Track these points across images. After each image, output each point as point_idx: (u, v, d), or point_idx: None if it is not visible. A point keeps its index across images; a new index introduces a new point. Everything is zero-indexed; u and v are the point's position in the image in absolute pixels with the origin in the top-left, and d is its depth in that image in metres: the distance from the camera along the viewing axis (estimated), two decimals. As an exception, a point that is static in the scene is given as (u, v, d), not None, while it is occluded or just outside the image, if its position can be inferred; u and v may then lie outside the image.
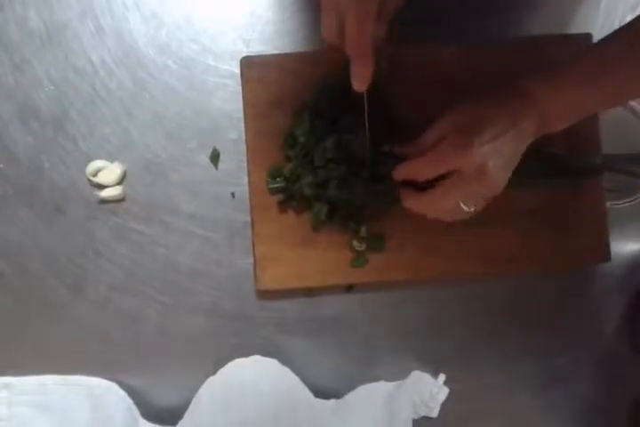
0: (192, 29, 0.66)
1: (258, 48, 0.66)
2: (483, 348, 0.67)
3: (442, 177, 0.55)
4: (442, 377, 0.65)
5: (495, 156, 0.53)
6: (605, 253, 0.66)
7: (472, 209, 0.56)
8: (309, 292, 0.65)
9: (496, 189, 0.55)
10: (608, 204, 0.66)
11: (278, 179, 0.64)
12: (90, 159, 0.65)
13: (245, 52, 0.66)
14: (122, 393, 0.63)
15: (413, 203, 0.58)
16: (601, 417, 0.68)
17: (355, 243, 0.64)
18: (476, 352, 0.67)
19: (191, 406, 0.63)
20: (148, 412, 0.64)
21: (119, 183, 0.65)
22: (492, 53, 0.64)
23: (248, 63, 0.64)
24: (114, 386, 0.63)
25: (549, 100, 0.54)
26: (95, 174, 0.65)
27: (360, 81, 0.53)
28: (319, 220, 0.63)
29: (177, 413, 0.63)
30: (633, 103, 0.67)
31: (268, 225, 0.64)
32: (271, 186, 0.64)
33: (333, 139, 0.61)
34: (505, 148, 0.53)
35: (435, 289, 0.66)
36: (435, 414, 0.64)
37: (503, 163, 0.54)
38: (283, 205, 0.64)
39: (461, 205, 0.55)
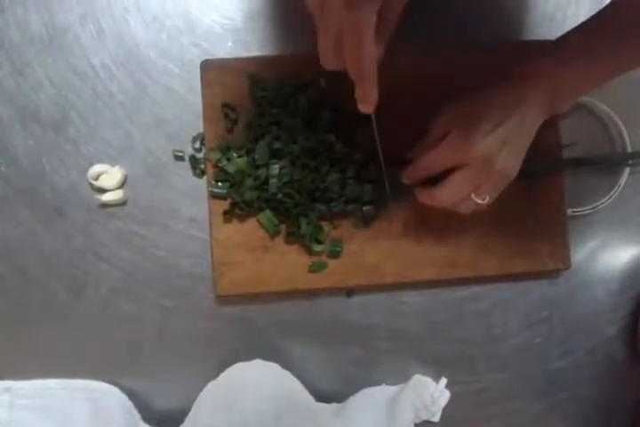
0: (193, 33, 0.66)
1: (258, 51, 0.66)
2: (484, 351, 0.67)
3: (452, 170, 0.55)
4: (443, 381, 0.65)
5: (500, 145, 0.52)
6: (565, 259, 0.65)
7: (485, 200, 0.55)
8: (272, 296, 0.65)
9: (507, 177, 0.54)
10: (569, 211, 0.66)
11: (221, 184, 0.63)
12: (91, 163, 0.65)
13: (246, 55, 0.65)
14: (122, 397, 0.63)
15: (426, 197, 0.58)
16: (602, 420, 0.68)
17: (314, 246, 0.63)
18: (477, 356, 0.67)
19: (192, 410, 0.63)
20: (148, 416, 0.64)
21: (120, 187, 0.65)
22: (474, 54, 0.63)
23: (207, 67, 0.64)
24: (114, 390, 0.63)
25: (560, 75, 0.52)
26: (96, 178, 0.64)
27: (367, 103, 0.49)
28: (275, 229, 0.62)
29: (178, 416, 0.63)
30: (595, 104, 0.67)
31: (225, 229, 0.63)
32: (210, 189, 0.63)
33: (273, 135, 0.61)
34: (510, 135, 0.52)
35: (435, 292, 0.66)
36: (436, 418, 0.64)
37: (510, 150, 0.53)
38: (227, 215, 0.63)
39: (473, 196, 0.55)
